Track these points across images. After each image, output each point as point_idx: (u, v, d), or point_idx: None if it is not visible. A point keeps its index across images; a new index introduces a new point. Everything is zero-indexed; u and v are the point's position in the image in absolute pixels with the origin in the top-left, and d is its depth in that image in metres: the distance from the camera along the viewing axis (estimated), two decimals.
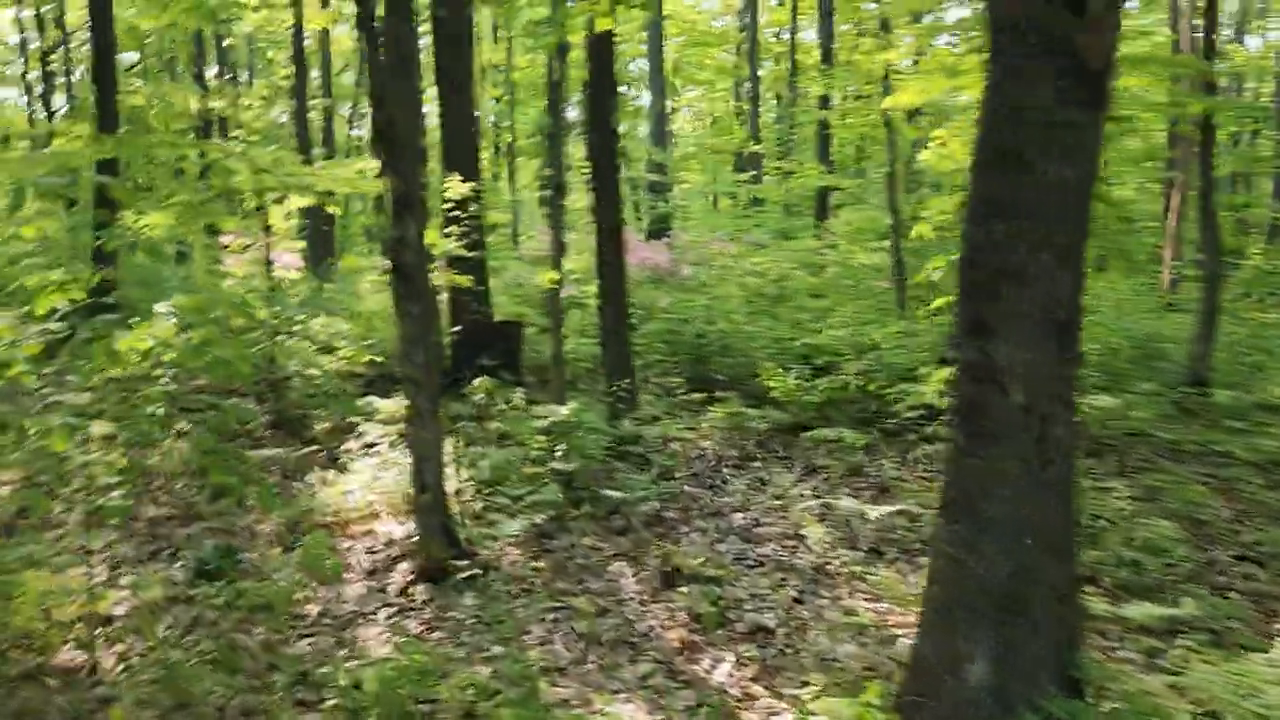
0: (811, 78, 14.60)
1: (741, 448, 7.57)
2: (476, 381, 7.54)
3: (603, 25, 5.81)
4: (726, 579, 5.24)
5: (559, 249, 6.71)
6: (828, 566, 5.45)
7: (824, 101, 16.52)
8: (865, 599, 5.06)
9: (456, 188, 8.29)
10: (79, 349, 4.13)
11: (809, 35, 26.17)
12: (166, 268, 16.58)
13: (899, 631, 4.62)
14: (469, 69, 9.23)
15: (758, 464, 7.33)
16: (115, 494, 4.04)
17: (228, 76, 23.78)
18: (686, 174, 29.21)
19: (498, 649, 4.43)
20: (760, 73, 26.00)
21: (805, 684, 4.14)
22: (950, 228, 10.61)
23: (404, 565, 5.49)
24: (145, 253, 17.12)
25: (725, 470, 7.15)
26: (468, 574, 5.29)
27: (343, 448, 7.65)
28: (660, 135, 20.30)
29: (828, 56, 16.47)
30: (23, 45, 25.39)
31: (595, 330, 10.51)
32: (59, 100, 26.54)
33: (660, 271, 12.65)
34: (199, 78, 25.33)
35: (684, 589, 5.13)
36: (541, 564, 5.51)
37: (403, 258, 4.94)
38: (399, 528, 6.11)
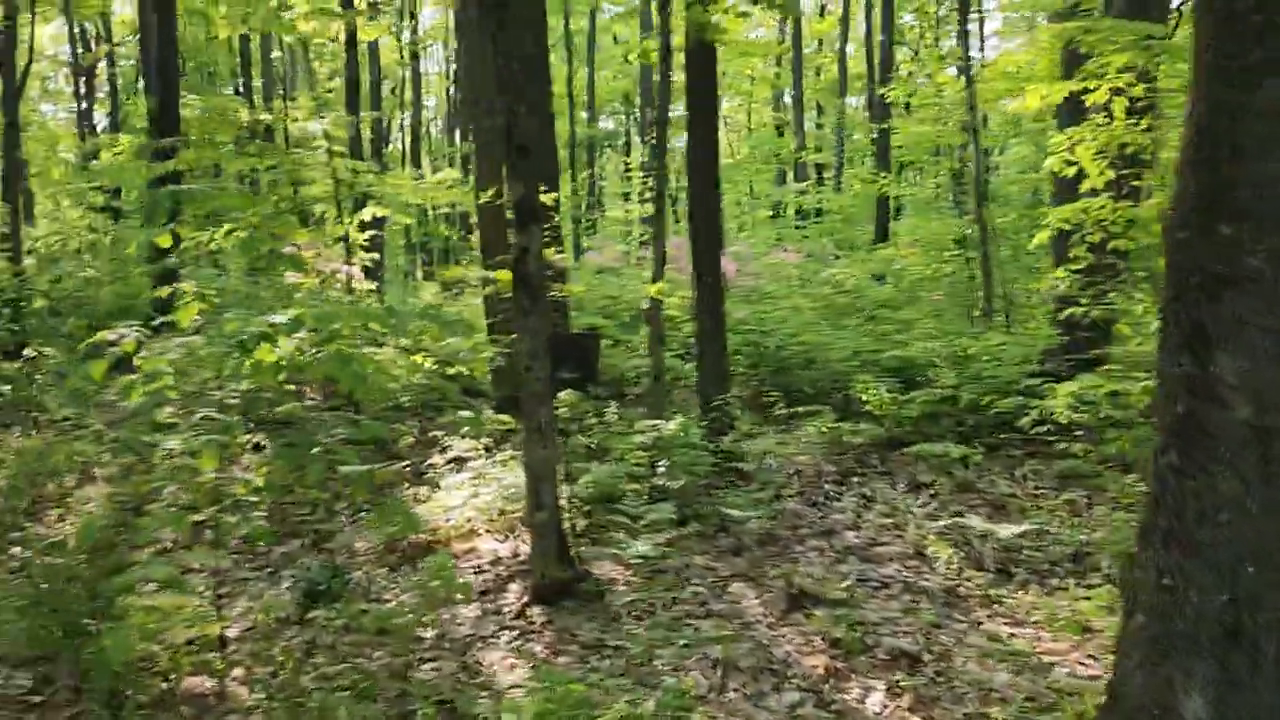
0: (889, 86, 14.33)
1: (839, 463, 7.35)
2: (562, 395, 7.38)
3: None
4: (854, 601, 5.02)
5: (662, 260, 6.53)
6: (958, 588, 5.21)
7: (884, 109, 16.28)
8: (1006, 623, 4.82)
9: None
10: (216, 362, 4.00)
11: (849, 44, 26.00)
12: (229, 282, 16.62)
13: (1052, 659, 4.39)
14: (547, 77, 9.10)
15: (859, 480, 7.10)
16: (256, 515, 3.89)
17: (279, 89, 23.95)
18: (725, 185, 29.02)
19: (637, 675, 4.23)
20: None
21: (967, 716, 3.91)
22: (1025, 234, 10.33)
23: (515, 586, 5.33)
24: (211, 266, 17.17)
25: (827, 486, 6.93)
26: (584, 596, 5.12)
27: (427, 463, 7.52)
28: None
29: (888, 66, 16.27)
30: (74, 59, 25.68)
31: (676, 343, 10.39)
32: (95, 113, 26.83)
33: (725, 282, 12.43)
34: (239, 90, 25.53)
35: (812, 611, 4.92)
36: (658, 585, 5.31)
37: (526, 268, 4.78)
38: (501, 546, 5.95)
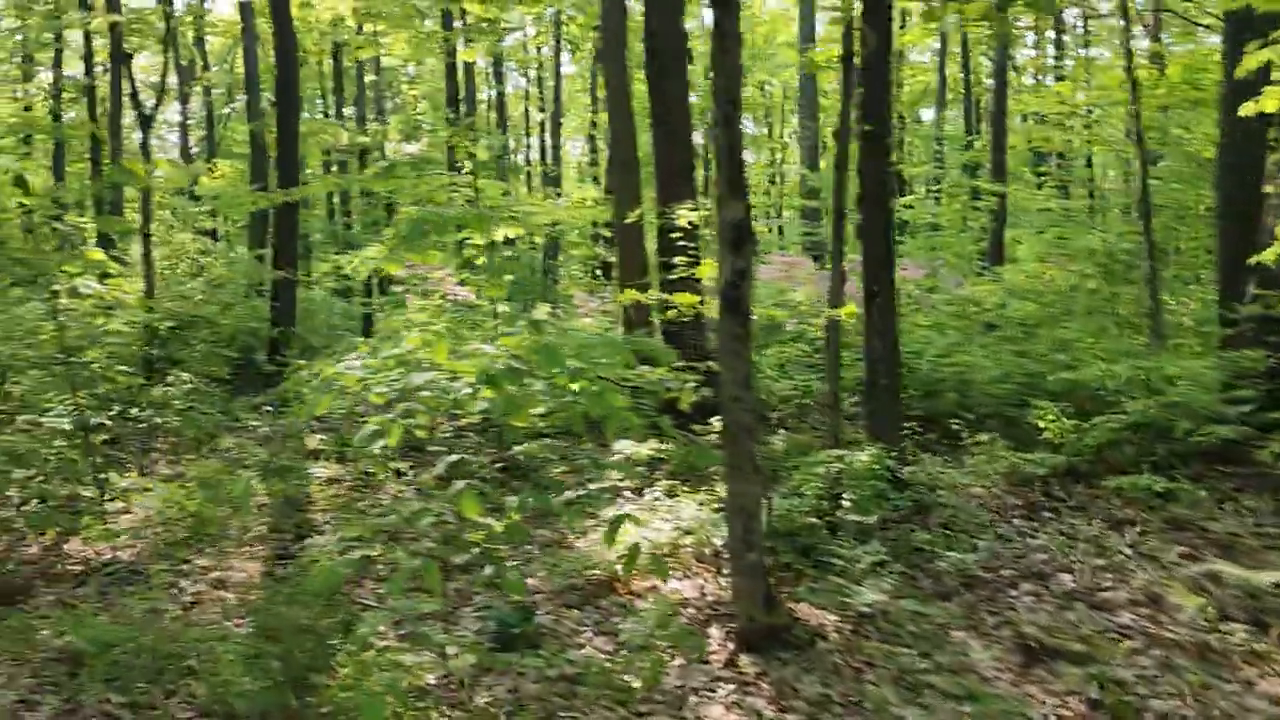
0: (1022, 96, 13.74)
1: (1023, 495, 6.86)
2: (714, 420, 7.03)
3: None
4: (1098, 655, 4.56)
5: (840, 280, 6.16)
6: (1209, 642, 4.71)
7: (1000, 118, 15.66)
8: None
9: (685, 214, 7.85)
10: (434, 399, 3.72)
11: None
12: (335, 306, 16.69)
13: None
14: (685, 88, 8.81)
15: (1049, 514, 6.61)
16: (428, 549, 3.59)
17: (373, 110, 24.18)
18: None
19: None
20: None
21: None
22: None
23: (715, 631, 4.96)
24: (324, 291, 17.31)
25: (1016, 521, 6.46)
26: (793, 644, 4.75)
27: (581, 494, 7.21)
28: (813, 158, 19.70)
29: (1001, 75, 15.68)
30: (162, 86, 26.27)
31: (806, 361, 9.97)
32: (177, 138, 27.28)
33: (850, 299, 11.97)
34: (327, 113, 25.85)
35: (1052, 666, 4.47)
36: (869, 632, 4.91)
37: (739, 292, 4.45)
38: (684, 586, 5.60)
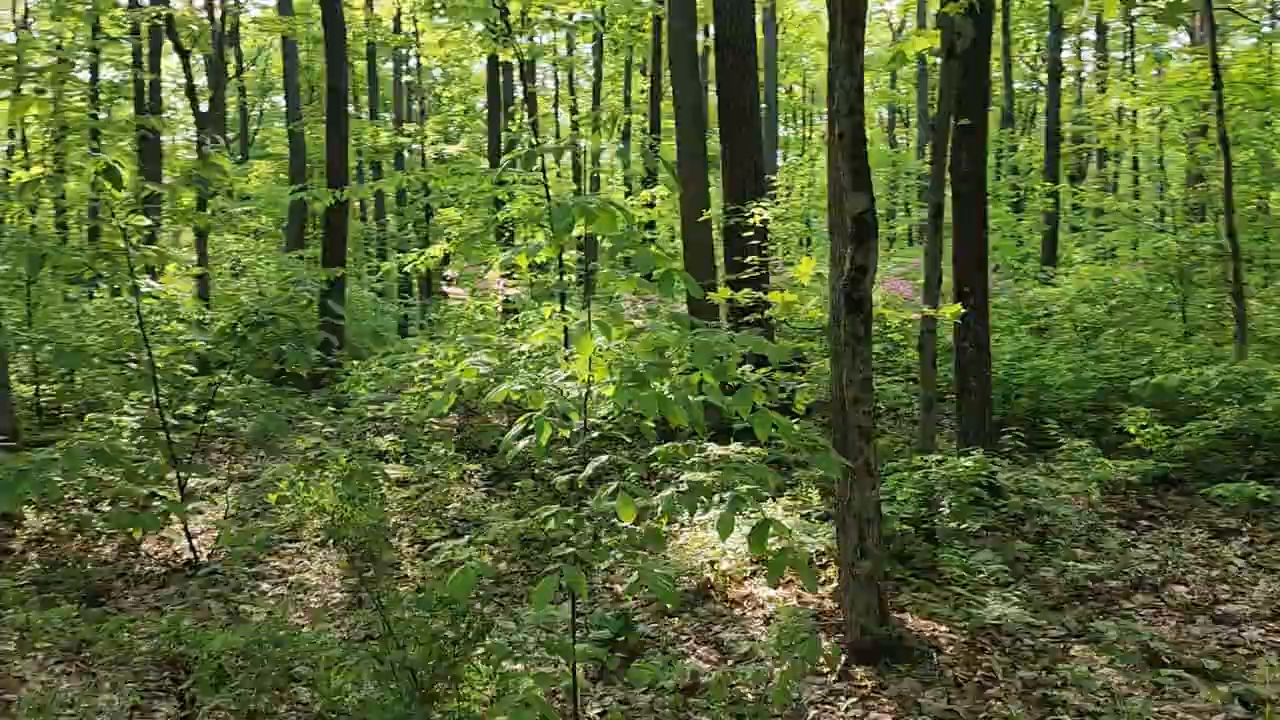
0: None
1: (1118, 504, 6.65)
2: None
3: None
4: (1233, 672, 4.36)
5: (937, 281, 5.98)
6: None
7: (1056, 119, 15.39)
8: None
9: (760, 212, 7.69)
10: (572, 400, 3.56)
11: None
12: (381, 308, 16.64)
13: None
14: (754, 87, 8.65)
15: (1146, 522, 6.39)
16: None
17: (416, 109, 24.14)
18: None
19: None
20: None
21: None
22: None
23: (823, 642, 4.79)
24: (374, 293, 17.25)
25: (1113, 530, 6.24)
26: (907, 656, 4.57)
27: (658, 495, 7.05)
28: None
29: (1055, 74, 15.42)
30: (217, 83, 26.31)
31: (877, 364, 9.77)
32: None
33: (910, 302, 11.78)
34: (365, 114, 25.79)
35: (1185, 682, 4.27)
36: (983, 643, 4.73)
37: (862, 290, 4.27)
38: (780, 594, 5.44)
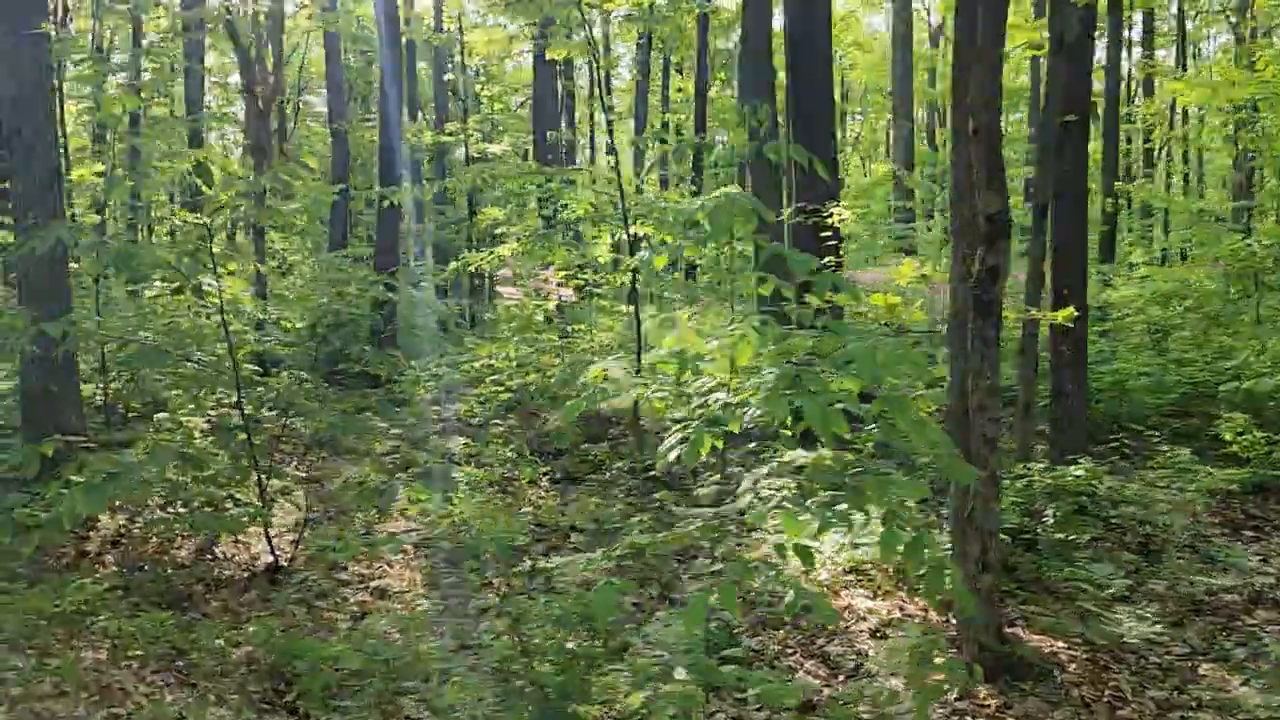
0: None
1: (1220, 513, 6.41)
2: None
3: None
4: None
5: (1039, 281, 5.77)
6: None
7: (1113, 117, 15.08)
8: None
9: (839, 213, 7.50)
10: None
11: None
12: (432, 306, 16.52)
13: None
14: (829, 86, 8.47)
15: (1251, 533, 6.16)
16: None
17: (461, 107, 24.06)
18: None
19: None
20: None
21: None
22: None
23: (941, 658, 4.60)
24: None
25: (1218, 540, 6.01)
26: (1029, 674, 4.37)
27: (729, 501, 6.90)
28: (908, 157, 19.20)
29: (1115, 67, 15.10)
30: (276, 80, 26.32)
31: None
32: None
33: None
34: (407, 113, 25.73)
35: None
36: (1105, 660, 4.53)
37: (992, 292, 4.09)
38: (879, 605, 5.25)
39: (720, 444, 3.01)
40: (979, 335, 4.14)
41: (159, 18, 17.90)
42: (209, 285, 7.00)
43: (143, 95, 22.40)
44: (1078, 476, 5.34)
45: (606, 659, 3.26)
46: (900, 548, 2.90)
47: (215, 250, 6.30)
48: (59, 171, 6.76)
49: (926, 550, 3.09)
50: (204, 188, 4.76)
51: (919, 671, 3.99)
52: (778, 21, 10.80)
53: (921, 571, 3.11)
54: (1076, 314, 5.77)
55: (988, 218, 4.04)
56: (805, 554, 3.09)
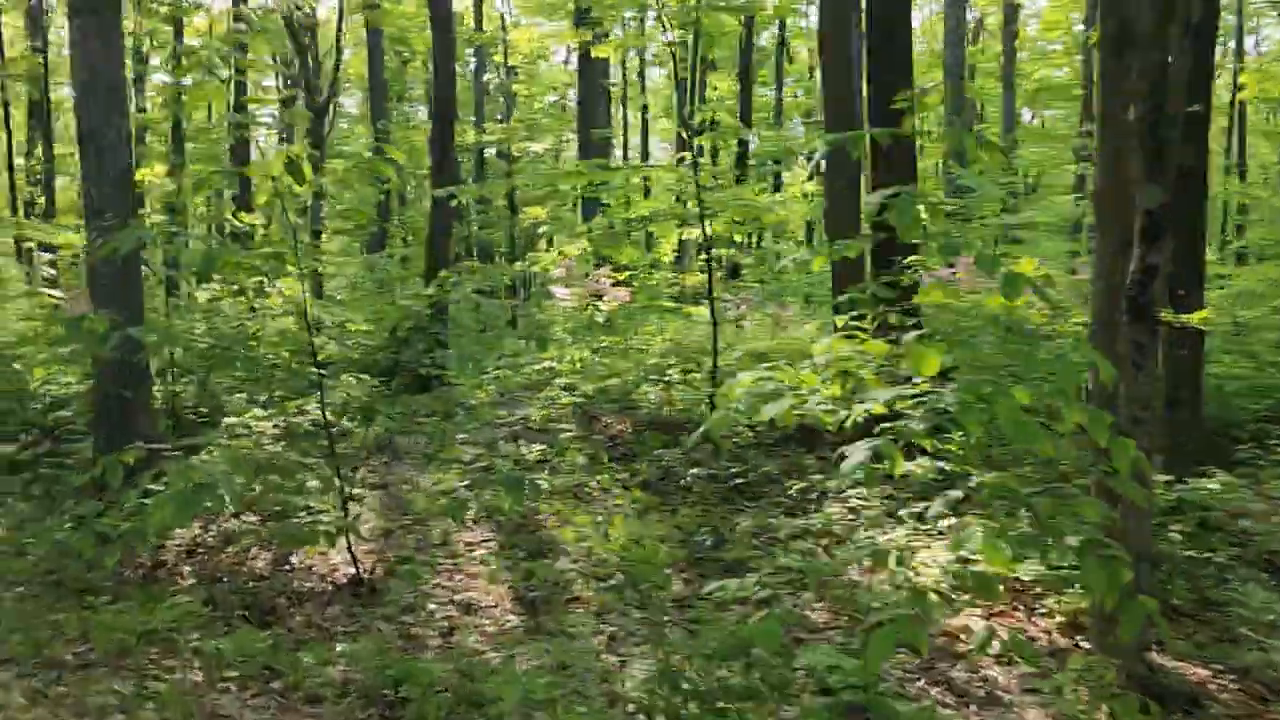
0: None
1: None
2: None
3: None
4: None
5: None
6: None
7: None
8: None
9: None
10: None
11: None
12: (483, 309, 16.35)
13: None
14: (909, 79, 8.19)
15: None
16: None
17: (491, 112, 23.97)
18: None
19: None
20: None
21: None
22: None
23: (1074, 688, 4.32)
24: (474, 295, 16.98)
25: None
26: (1174, 702, 4.09)
27: (815, 513, 6.63)
28: (960, 157, 18.79)
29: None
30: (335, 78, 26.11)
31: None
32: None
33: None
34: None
35: None
36: (1258, 691, 4.23)
37: (1149, 295, 3.80)
38: (999, 625, 4.96)
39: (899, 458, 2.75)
40: (1133, 341, 3.86)
41: (209, 20, 17.89)
42: (287, 288, 6.84)
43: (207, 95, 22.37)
44: (1211, 490, 5.03)
45: (776, 697, 3.01)
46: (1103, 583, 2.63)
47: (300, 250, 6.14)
48: (131, 171, 6.61)
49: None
50: (294, 187, 4.59)
51: (1092, 705, 3.73)
52: None
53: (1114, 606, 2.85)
54: (1208, 318, 5.47)
55: (1147, 212, 3.76)
56: (987, 584, 2.83)
